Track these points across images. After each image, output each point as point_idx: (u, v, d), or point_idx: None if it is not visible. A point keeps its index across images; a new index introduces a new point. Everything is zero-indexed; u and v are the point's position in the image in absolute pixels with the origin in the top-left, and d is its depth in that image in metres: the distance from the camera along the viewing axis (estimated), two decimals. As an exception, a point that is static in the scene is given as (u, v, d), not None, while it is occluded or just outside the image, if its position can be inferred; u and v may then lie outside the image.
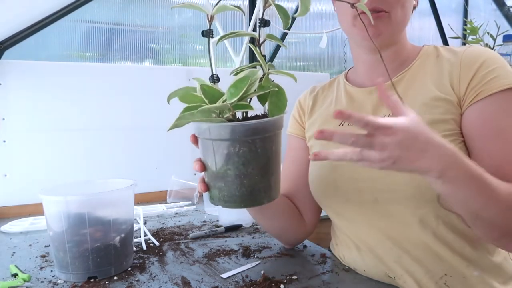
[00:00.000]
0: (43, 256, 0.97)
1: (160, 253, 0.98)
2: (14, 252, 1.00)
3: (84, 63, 1.58)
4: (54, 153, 1.43)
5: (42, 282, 0.82)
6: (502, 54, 1.83)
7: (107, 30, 1.59)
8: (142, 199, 1.51)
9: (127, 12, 1.62)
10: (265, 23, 0.65)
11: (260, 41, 0.65)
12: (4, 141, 1.36)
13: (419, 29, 2.58)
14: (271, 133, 0.63)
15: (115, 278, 0.83)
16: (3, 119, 1.36)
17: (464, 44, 2.69)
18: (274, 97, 0.65)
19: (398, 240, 0.78)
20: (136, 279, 0.83)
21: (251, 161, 0.61)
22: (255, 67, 0.65)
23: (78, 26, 1.54)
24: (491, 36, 1.93)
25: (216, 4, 0.66)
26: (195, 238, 1.09)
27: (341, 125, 0.85)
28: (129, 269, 0.88)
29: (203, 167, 0.67)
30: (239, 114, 0.64)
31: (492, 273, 0.77)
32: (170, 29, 1.73)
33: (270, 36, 0.66)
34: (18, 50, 1.41)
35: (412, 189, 0.73)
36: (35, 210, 1.34)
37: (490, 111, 0.72)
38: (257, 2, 0.64)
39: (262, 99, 0.66)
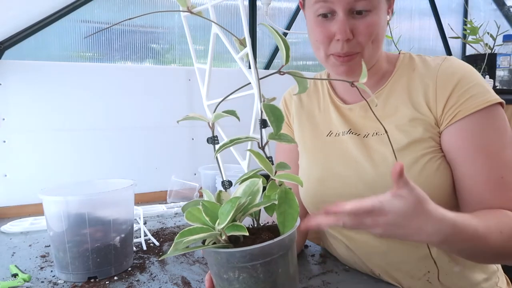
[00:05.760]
0: (43, 256, 0.97)
1: (160, 253, 0.98)
2: (14, 252, 1.00)
3: (84, 63, 1.58)
4: (54, 153, 1.43)
5: (42, 282, 0.82)
6: (502, 54, 1.83)
7: (107, 30, 1.59)
8: (142, 199, 1.51)
9: (127, 12, 1.62)
10: (265, 124, 0.59)
11: (263, 142, 0.59)
12: (4, 141, 1.36)
13: (419, 29, 2.58)
14: (275, 256, 0.54)
15: (115, 278, 0.83)
16: (3, 119, 1.36)
17: (464, 44, 2.69)
18: (285, 205, 0.56)
19: (383, 243, 0.79)
20: (136, 279, 0.83)
21: None
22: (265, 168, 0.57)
23: (78, 26, 1.53)
24: (491, 36, 1.93)
25: (214, 110, 0.64)
26: (195, 238, 1.09)
27: (328, 136, 0.86)
28: (129, 269, 0.88)
29: (212, 285, 0.63)
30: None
31: (473, 268, 0.80)
32: (170, 29, 1.73)
33: (271, 137, 0.59)
34: (18, 50, 1.41)
35: None
36: (35, 210, 1.34)
37: (468, 131, 0.72)
38: (255, 104, 0.62)
39: (269, 209, 0.58)
